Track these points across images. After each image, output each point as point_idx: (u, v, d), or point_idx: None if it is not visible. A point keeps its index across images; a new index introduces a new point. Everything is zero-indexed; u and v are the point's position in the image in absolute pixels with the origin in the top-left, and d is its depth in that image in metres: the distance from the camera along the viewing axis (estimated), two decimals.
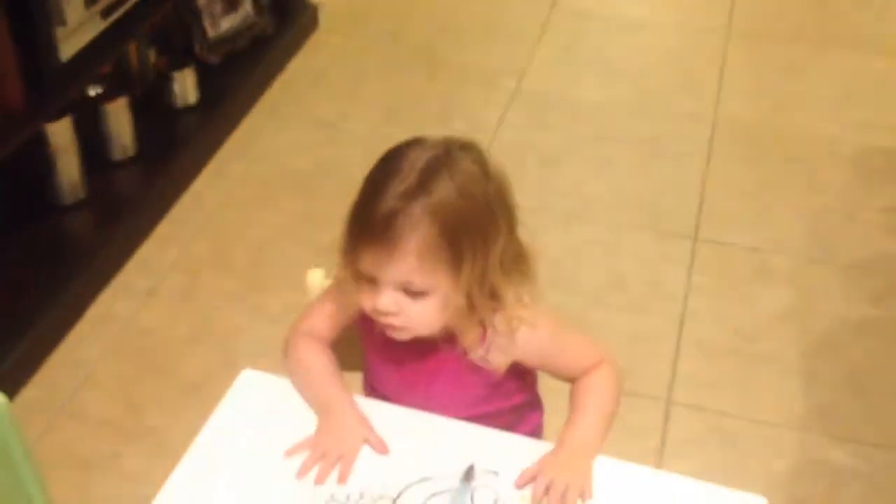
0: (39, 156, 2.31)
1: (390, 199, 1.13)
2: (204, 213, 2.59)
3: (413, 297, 1.17)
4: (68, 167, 2.37)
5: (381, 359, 1.30)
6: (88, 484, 1.92)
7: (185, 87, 2.76)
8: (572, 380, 1.27)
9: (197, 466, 1.22)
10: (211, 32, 2.92)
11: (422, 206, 1.13)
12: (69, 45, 2.15)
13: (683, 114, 2.99)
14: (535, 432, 1.39)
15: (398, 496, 1.16)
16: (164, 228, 2.54)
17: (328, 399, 1.25)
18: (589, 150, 2.84)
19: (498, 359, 1.24)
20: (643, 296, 2.36)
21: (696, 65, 3.23)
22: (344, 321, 1.32)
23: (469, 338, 1.23)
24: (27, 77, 2.09)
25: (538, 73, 3.17)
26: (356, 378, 1.42)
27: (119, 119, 2.51)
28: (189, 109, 2.78)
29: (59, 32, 2.10)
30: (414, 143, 1.19)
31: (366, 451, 1.21)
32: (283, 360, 1.32)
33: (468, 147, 1.19)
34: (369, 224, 1.14)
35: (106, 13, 2.26)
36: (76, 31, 2.17)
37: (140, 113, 2.59)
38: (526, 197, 1.25)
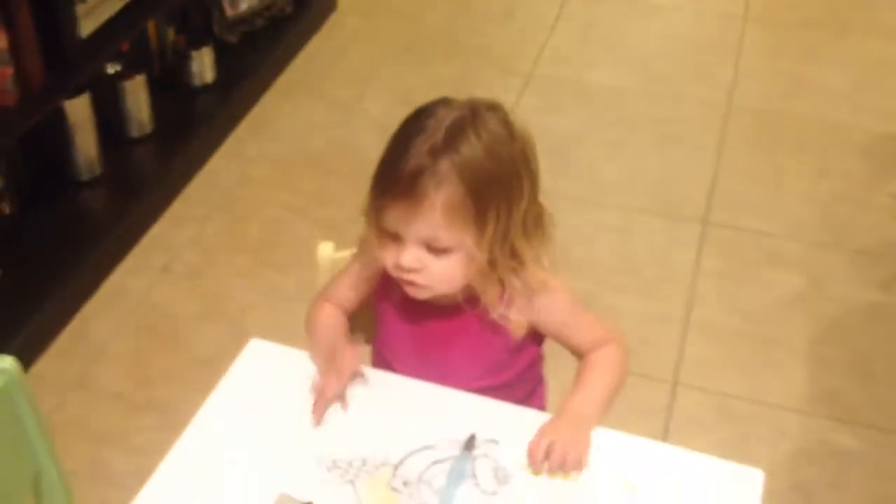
0: (58, 132, 2.34)
1: (417, 155, 1.15)
2: (218, 192, 2.62)
3: (436, 254, 1.19)
4: (86, 144, 2.40)
5: (401, 319, 1.31)
6: (100, 456, 1.95)
7: (203, 65, 2.79)
8: (581, 354, 1.29)
9: (203, 433, 1.24)
10: (230, 12, 2.94)
11: (448, 163, 1.14)
12: (89, 21, 2.18)
13: (697, 99, 3.00)
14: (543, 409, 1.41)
15: (400, 463, 1.18)
16: (178, 206, 2.57)
17: (330, 345, 1.28)
18: (602, 134, 2.85)
19: (516, 319, 1.26)
20: (653, 279, 2.37)
21: (712, 51, 3.23)
22: (365, 290, 1.34)
23: (489, 296, 1.24)
24: (47, 53, 2.12)
25: (553, 57, 3.17)
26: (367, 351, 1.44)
27: (136, 97, 2.54)
28: (206, 88, 2.80)
29: (80, 9, 2.13)
30: (441, 103, 1.21)
31: (368, 419, 1.23)
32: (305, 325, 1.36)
33: (494, 107, 1.21)
34: (395, 180, 1.16)
35: None
36: (96, 8, 2.20)
37: (157, 91, 2.62)
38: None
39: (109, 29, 2.29)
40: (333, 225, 2.51)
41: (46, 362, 2.13)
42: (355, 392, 1.27)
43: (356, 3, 3.41)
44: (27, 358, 2.07)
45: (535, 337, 1.33)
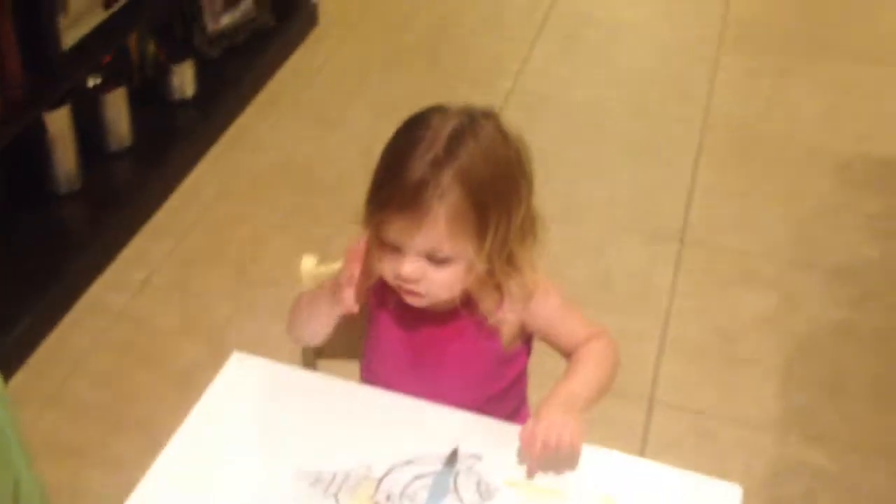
0: (37, 144, 2.34)
1: (418, 167, 1.15)
2: (198, 206, 2.62)
3: (437, 264, 1.20)
4: (65, 156, 2.40)
5: (396, 325, 1.32)
6: (77, 472, 1.94)
7: (184, 79, 2.79)
8: (571, 352, 1.29)
9: (186, 447, 1.25)
10: (211, 26, 2.95)
11: (450, 174, 1.15)
12: (71, 33, 2.18)
13: (674, 118, 3.03)
14: None
15: (383, 477, 1.19)
16: (158, 220, 2.57)
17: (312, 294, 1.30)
18: (581, 151, 2.88)
19: (510, 321, 1.28)
20: (629, 296, 2.40)
21: (689, 70, 3.27)
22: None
23: (487, 302, 1.26)
24: (28, 64, 2.12)
25: (534, 73, 3.20)
26: (353, 367, 1.46)
27: (117, 110, 2.55)
28: (186, 102, 2.81)
29: (62, 21, 2.13)
30: (435, 111, 1.22)
31: (351, 433, 1.24)
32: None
33: (489, 114, 1.23)
34: (397, 193, 1.16)
35: (109, 2, 2.30)
36: (78, 20, 2.20)
37: (137, 105, 2.62)
38: None
39: (91, 41, 2.29)
40: (314, 239, 2.51)
41: (24, 377, 2.12)
42: (338, 406, 1.28)
43: (337, 18, 3.43)
44: (4, 372, 2.04)
45: (524, 347, 1.35)
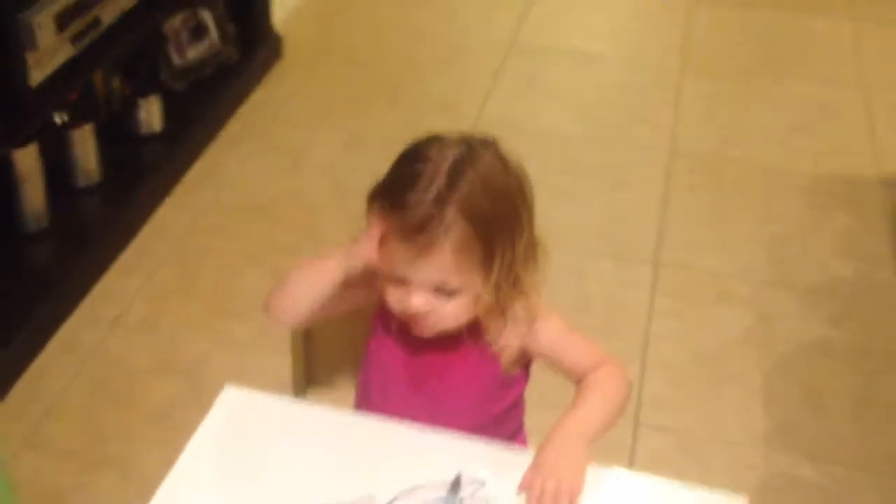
0: (5, 182, 2.29)
1: (421, 203, 1.14)
2: (169, 241, 2.58)
3: (446, 297, 1.19)
4: (33, 194, 2.35)
5: (398, 349, 1.30)
6: None
7: (151, 114, 2.76)
8: (578, 376, 1.27)
9: (182, 485, 1.21)
10: (177, 60, 2.93)
11: (454, 209, 1.15)
12: (39, 70, 2.15)
13: (640, 145, 3.06)
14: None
15: None
16: (128, 256, 2.52)
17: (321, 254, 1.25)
18: (549, 180, 2.89)
19: (512, 346, 1.27)
20: (608, 320, 2.40)
21: (652, 97, 3.31)
22: (346, 306, 1.31)
23: (492, 328, 1.25)
24: None
25: (498, 104, 3.22)
26: (342, 396, 1.43)
27: (84, 146, 2.51)
28: (154, 137, 2.78)
29: (30, 57, 2.10)
30: (433, 141, 1.21)
31: (352, 463, 1.21)
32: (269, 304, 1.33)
33: (487, 142, 1.22)
34: (402, 229, 1.15)
35: (76, 39, 2.26)
36: (46, 57, 2.17)
37: (105, 140, 2.59)
38: None
39: (59, 77, 2.25)
40: (285, 272, 2.48)
41: None
42: (337, 436, 1.26)
43: (301, 52, 3.42)
44: None
45: (523, 372, 1.34)
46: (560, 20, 3.76)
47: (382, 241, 1.19)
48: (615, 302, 2.46)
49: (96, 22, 2.36)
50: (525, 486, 1.16)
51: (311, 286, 1.28)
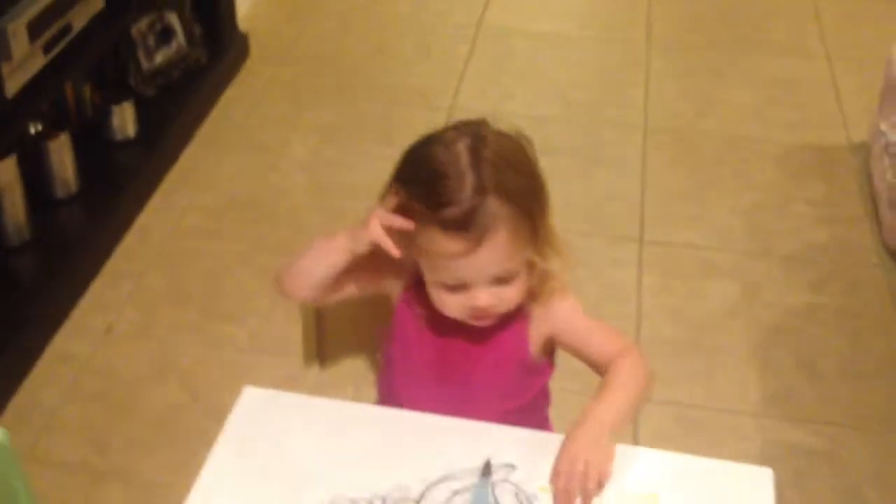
0: None
1: (461, 206, 1.14)
2: (153, 247, 2.56)
3: (506, 284, 1.20)
4: (13, 207, 2.32)
5: (428, 341, 1.30)
6: None
7: (124, 120, 2.73)
8: (601, 364, 1.29)
9: (212, 488, 1.21)
10: (146, 65, 2.90)
11: (493, 196, 1.15)
12: (14, 80, 2.12)
13: (615, 123, 3.09)
14: None
15: (421, 497, 1.18)
16: (113, 264, 2.50)
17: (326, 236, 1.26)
18: None
19: (540, 329, 1.29)
20: (598, 299, 2.42)
21: (622, 75, 3.33)
22: (351, 291, 1.32)
23: (535, 300, 1.27)
24: None
25: (471, 90, 3.23)
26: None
27: (61, 156, 2.47)
28: (129, 143, 2.75)
29: (5, 67, 2.07)
30: (434, 144, 1.20)
31: (380, 456, 1.22)
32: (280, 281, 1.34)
33: (480, 123, 1.22)
34: (452, 237, 1.15)
35: (48, 47, 2.23)
36: (20, 67, 2.13)
37: (79, 149, 2.56)
38: None
39: (34, 87, 2.22)
40: (275, 270, 2.47)
41: None
42: (363, 430, 1.26)
43: (268, 50, 3.40)
44: None
45: (549, 361, 1.35)
46: (524, 2, 3.77)
47: (424, 255, 1.20)
48: (604, 281, 2.48)
49: (67, 29, 2.33)
50: (555, 475, 1.17)
51: (317, 263, 1.28)
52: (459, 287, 1.20)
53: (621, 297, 2.43)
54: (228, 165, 2.87)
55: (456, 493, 1.18)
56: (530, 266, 1.23)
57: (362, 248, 1.23)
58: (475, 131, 1.20)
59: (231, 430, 1.28)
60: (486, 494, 1.18)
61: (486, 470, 1.20)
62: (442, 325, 1.28)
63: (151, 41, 2.93)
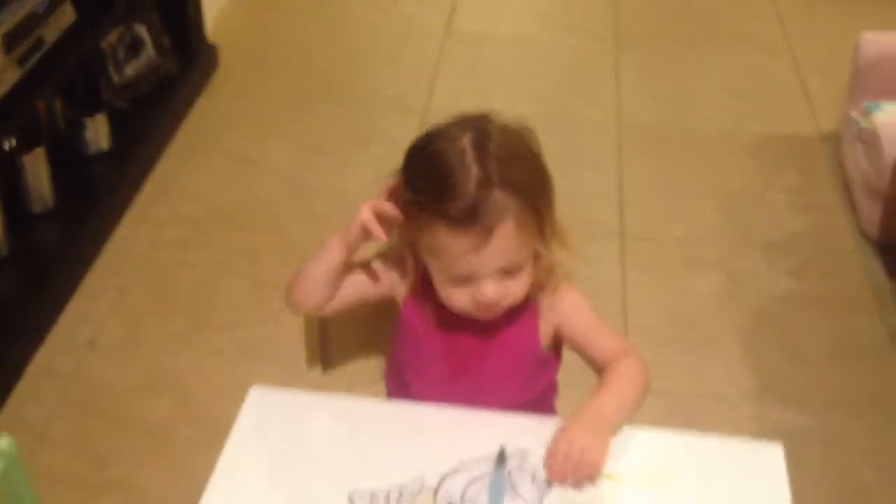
0: None
1: (468, 196, 1.14)
2: (133, 259, 2.53)
3: (513, 276, 1.20)
4: None
5: (438, 338, 1.30)
6: None
7: (98, 133, 2.71)
8: (601, 364, 1.29)
9: (226, 486, 1.19)
10: (116, 77, 2.87)
11: (499, 189, 1.15)
12: None
13: (589, 121, 3.11)
14: None
15: (438, 487, 1.17)
16: (94, 278, 2.47)
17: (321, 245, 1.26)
18: None
19: (548, 321, 1.29)
20: (585, 295, 2.42)
21: (593, 74, 3.36)
22: (350, 296, 1.32)
23: (542, 290, 1.27)
24: None
25: (444, 94, 3.23)
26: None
27: (36, 171, 2.44)
28: (103, 156, 2.72)
29: None
30: (439, 137, 1.20)
31: (394, 449, 1.21)
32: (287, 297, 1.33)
33: (484, 116, 1.22)
34: (459, 231, 1.15)
35: (23, 60, 2.21)
36: None
37: (54, 163, 2.52)
38: None
39: (10, 102, 2.19)
40: (261, 277, 2.47)
41: None
42: (374, 424, 1.26)
43: (237, 59, 3.39)
44: None
45: (556, 355, 1.35)
46: (490, 5, 3.79)
47: (430, 251, 1.20)
48: (589, 276, 2.47)
49: (40, 41, 2.31)
50: (548, 456, 1.16)
51: (317, 264, 1.29)
52: (466, 280, 1.20)
53: (606, 292, 2.44)
54: (205, 176, 2.85)
55: (473, 481, 1.18)
56: (537, 258, 1.23)
57: (354, 237, 1.24)
58: (479, 125, 1.21)
59: (241, 430, 1.27)
60: (503, 481, 1.18)
61: (501, 457, 1.20)
62: (451, 323, 1.28)
63: (121, 54, 2.91)
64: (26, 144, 2.44)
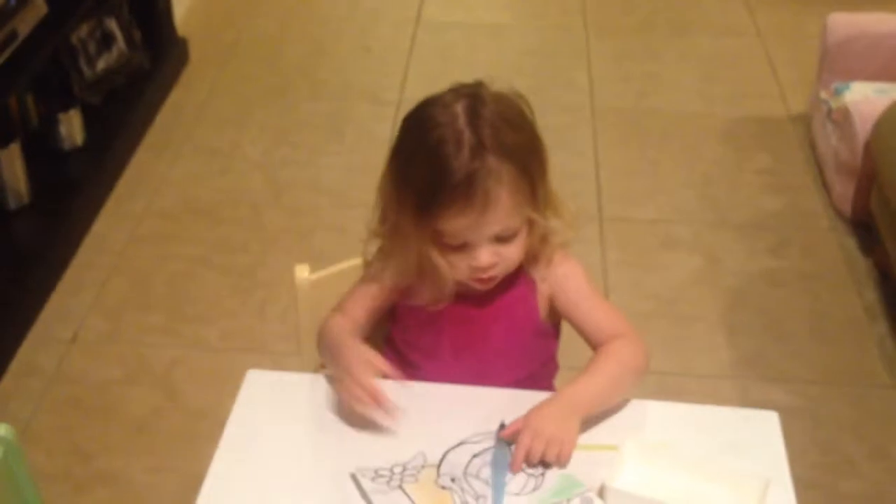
0: None
1: (461, 162, 1.15)
2: (111, 254, 2.51)
3: (507, 242, 1.21)
4: None
5: (438, 318, 1.30)
6: None
7: (72, 128, 2.68)
8: (596, 340, 1.28)
9: (230, 468, 1.19)
10: (88, 72, 2.84)
11: (492, 154, 1.16)
12: None
13: (563, 107, 3.12)
14: None
15: (440, 462, 1.18)
16: (73, 274, 2.45)
17: (338, 351, 1.23)
18: None
19: (544, 292, 1.30)
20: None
21: (564, 61, 3.38)
22: (376, 306, 1.32)
23: (537, 259, 1.28)
24: None
25: (417, 84, 3.23)
26: None
27: (12, 167, 2.42)
28: (77, 151, 2.70)
29: None
30: (433, 106, 1.21)
31: (394, 427, 1.21)
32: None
33: (478, 84, 1.23)
34: (451, 197, 1.15)
35: None
36: None
37: (28, 159, 2.50)
38: None
39: None
40: (240, 270, 2.46)
41: None
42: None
43: (208, 55, 3.37)
44: None
45: (554, 329, 1.36)
46: None
47: (426, 226, 1.19)
48: None
49: (14, 35, 2.28)
50: (509, 435, 1.16)
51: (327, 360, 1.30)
52: (461, 247, 1.20)
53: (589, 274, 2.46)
54: (180, 169, 2.83)
55: (475, 455, 1.19)
56: (531, 225, 1.23)
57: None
58: (473, 92, 1.22)
59: (240, 413, 1.27)
60: (505, 454, 1.19)
61: (502, 431, 1.21)
62: (453, 308, 1.28)
63: (92, 48, 2.88)
64: (1, 140, 2.41)
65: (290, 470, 1.18)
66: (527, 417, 1.17)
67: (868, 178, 2.46)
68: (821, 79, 2.83)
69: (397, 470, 1.18)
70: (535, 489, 1.15)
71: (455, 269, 1.23)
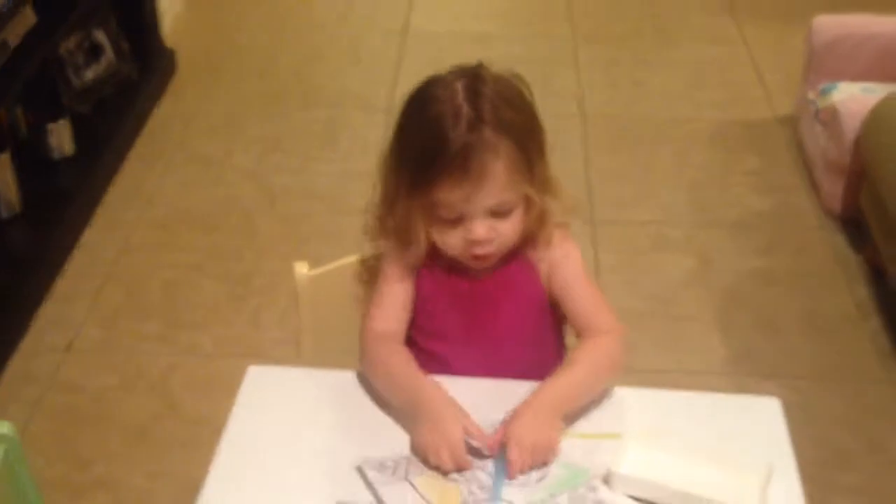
0: None
1: (459, 136, 1.16)
2: (104, 263, 2.51)
3: (503, 217, 1.21)
4: None
5: (448, 301, 1.31)
6: None
7: (62, 138, 2.68)
8: (581, 329, 1.30)
9: (232, 462, 1.19)
10: (76, 82, 2.84)
11: (490, 129, 1.17)
12: None
13: (553, 113, 3.04)
14: None
15: None
16: (65, 283, 2.44)
17: (417, 395, 1.19)
18: None
19: (545, 272, 1.30)
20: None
21: (553, 68, 3.39)
22: (408, 304, 1.31)
23: (535, 239, 1.28)
24: None
25: (406, 89, 3.22)
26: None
27: (4, 176, 2.42)
28: (67, 160, 2.71)
29: None
30: (434, 84, 1.23)
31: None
32: (363, 367, 1.28)
33: (478, 65, 1.25)
34: (448, 168, 1.16)
35: None
36: None
37: (19, 168, 2.49)
38: None
39: None
40: (235, 277, 2.46)
41: None
42: (374, 397, 1.26)
43: (196, 65, 3.38)
44: None
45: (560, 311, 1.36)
46: (445, 5, 3.81)
47: (423, 198, 1.20)
48: None
49: (4, 45, 2.28)
50: (495, 446, 1.15)
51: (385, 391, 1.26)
52: (457, 221, 1.21)
53: None
54: (172, 178, 2.83)
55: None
56: (528, 204, 1.24)
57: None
58: (473, 72, 1.24)
59: (242, 409, 1.27)
60: (504, 456, 1.18)
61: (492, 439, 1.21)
62: (460, 282, 1.29)
63: (81, 59, 2.88)
64: None
65: (295, 463, 1.18)
66: (508, 428, 1.16)
67: (857, 175, 2.48)
68: (807, 80, 2.86)
69: (402, 461, 1.18)
70: (539, 480, 1.15)
71: (450, 245, 1.23)
